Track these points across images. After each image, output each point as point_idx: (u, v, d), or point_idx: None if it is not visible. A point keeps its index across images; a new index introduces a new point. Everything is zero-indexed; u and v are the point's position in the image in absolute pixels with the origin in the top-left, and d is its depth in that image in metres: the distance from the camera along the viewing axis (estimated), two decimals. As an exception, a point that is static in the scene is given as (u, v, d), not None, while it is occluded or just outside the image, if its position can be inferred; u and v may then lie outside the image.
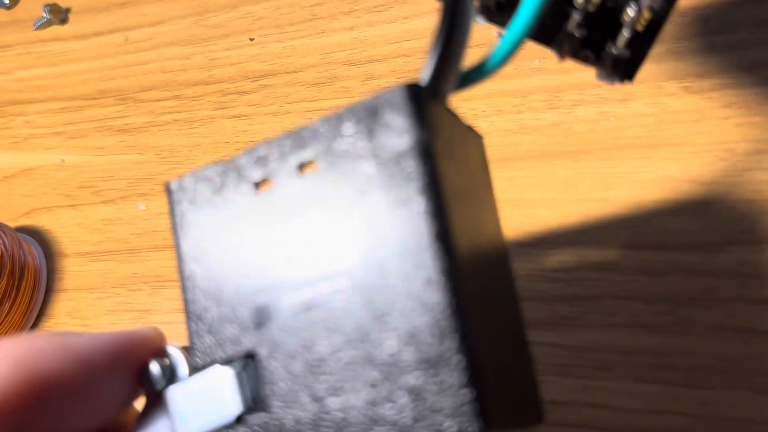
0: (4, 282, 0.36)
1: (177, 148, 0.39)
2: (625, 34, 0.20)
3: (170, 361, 0.21)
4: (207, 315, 0.19)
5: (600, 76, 0.20)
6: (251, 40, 0.39)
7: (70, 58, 0.44)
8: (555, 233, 0.29)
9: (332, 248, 0.17)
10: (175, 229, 0.20)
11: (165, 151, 0.39)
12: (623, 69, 0.19)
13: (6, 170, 0.43)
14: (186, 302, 0.19)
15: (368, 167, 0.17)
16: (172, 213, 0.20)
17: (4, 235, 0.37)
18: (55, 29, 0.46)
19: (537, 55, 0.32)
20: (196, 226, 0.20)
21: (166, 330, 0.36)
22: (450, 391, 0.16)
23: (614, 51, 0.20)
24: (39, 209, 0.41)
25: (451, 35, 0.16)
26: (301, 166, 0.18)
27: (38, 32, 0.46)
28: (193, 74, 0.40)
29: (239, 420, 0.18)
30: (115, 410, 0.21)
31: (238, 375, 0.18)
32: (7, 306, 0.37)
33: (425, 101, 0.17)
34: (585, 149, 0.30)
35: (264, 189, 0.18)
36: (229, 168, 0.19)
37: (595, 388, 0.26)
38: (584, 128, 0.30)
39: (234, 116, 0.38)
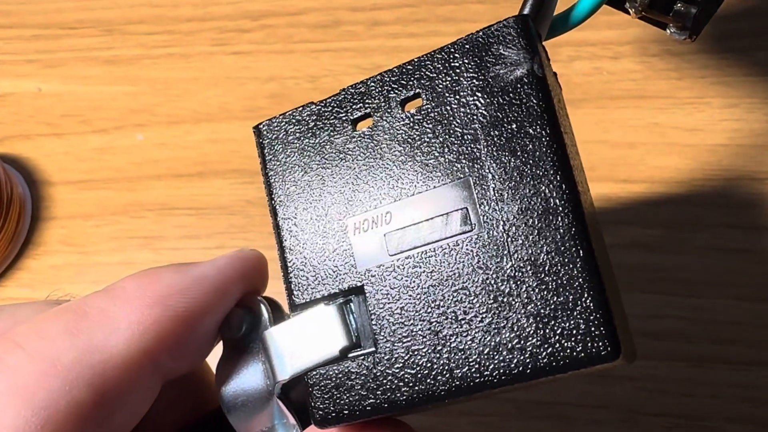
0: (-9, 207, 0.35)
1: (174, 81, 0.39)
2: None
3: (252, 307, 0.20)
4: (305, 253, 0.18)
5: (673, 33, 0.24)
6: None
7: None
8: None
9: (440, 181, 0.17)
10: (265, 170, 0.19)
11: (160, 84, 0.39)
12: (692, 26, 0.23)
13: (-29, 96, 0.41)
14: (281, 242, 0.19)
15: (478, 99, 0.17)
16: (261, 155, 0.19)
17: (-13, 160, 0.36)
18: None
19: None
20: (289, 167, 0.19)
21: (176, 256, 0.37)
22: (579, 316, 0.15)
23: (683, 9, 0.23)
24: (15, 137, 0.39)
25: None
26: (404, 102, 0.18)
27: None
28: (185, 10, 0.40)
29: (345, 355, 0.17)
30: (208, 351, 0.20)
31: (340, 310, 0.17)
32: (-9, 232, 0.36)
33: (535, 34, 0.17)
34: (583, 98, 0.34)
35: (363, 127, 0.18)
36: (324, 108, 0.19)
37: (605, 298, 0.30)
38: (581, 80, 0.35)
39: (234, 53, 0.39)
